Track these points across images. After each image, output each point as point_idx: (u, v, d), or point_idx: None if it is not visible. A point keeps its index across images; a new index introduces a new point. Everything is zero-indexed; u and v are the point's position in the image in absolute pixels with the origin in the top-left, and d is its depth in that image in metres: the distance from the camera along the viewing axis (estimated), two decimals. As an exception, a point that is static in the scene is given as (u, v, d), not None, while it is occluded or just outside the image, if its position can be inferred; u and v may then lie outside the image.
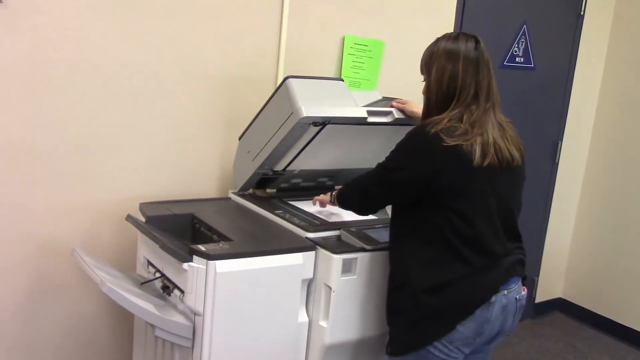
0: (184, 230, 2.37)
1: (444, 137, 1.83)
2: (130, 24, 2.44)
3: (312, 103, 2.18)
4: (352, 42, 3.02)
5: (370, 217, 2.37)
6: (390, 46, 3.16)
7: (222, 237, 2.16)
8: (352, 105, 2.32)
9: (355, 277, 2.10)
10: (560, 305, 4.58)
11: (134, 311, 1.97)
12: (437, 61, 1.96)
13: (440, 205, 1.88)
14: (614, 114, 4.21)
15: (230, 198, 2.63)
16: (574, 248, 4.50)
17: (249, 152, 2.47)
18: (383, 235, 2.20)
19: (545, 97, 4.01)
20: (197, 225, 2.35)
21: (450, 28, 3.39)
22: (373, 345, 2.26)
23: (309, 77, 2.30)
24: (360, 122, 2.33)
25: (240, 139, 2.53)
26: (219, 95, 2.71)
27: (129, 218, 2.28)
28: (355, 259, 2.09)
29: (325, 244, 2.11)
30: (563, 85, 4.09)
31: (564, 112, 4.14)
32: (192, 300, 1.97)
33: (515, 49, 3.74)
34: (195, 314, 2.00)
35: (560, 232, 4.42)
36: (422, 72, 2.05)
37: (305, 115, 2.15)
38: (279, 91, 2.26)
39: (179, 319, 2.03)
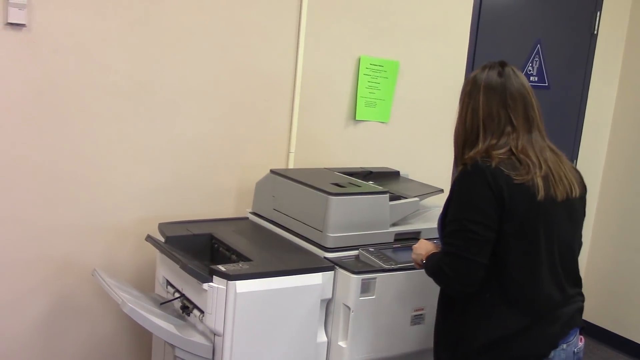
0: (202, 250, 2.38)
1: (508, 172, 1.70)
2: (151, 48, 2.48)
3: (342, 231, 2.20)
4: (367, 63, 3.05)
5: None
6: (405, 66, 3.18)
7: (241, 257, 2.17)
8: (384, 227, 2.30)
9: (374, 297, 2.10)
10: (576, 325, 4.53)
11: (154, 331, 1.98)
12: (461, 100, 1.86)
13: (501, 248, 1.72)
14: (629, 132, 4.19)
15: (247, 218, 2.64)
16: (590, 268, 4.46)
17: (274, 196, 2.48)
18: (401, 256, 2.21)
19: (559, 116, 4.00)
20: (216, 245, 2.36)
21: (464, 47, 3.41)
22: (392, 366, 2.26)
23: (351, 194, 2.25)
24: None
25: (272, 172, 2.51)
26: (236, 116, 2.73)
27: (149, 238, 2.30)
28: (374, 279, 2.09)
29: (344, 264, 2.12)
30: (577, 104, 4.09)
31: (578, 131, 4.13)
32: (212, 320, 1.98)
33: (530, 68, 3.75)
34: (215, 334, 2.01)
35: (576, 250, 4.39)
36: None
37: (331, 247, 2.19)
38: (319, 195, 2.23)
39: (198, 339, 2.03)
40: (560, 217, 1.78)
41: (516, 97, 1.78)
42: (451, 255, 1.73)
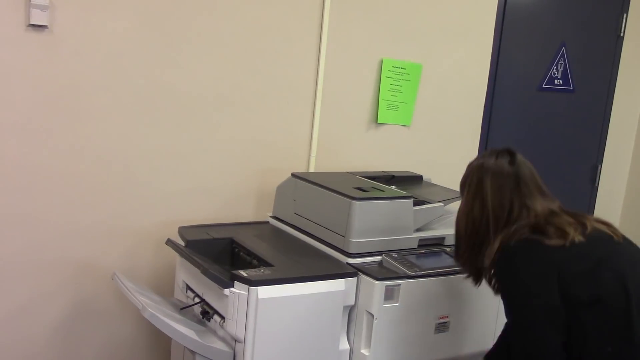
0: (222, 254, 2.35)
1: (544, 239, 1.69)
2: (172, 51, 2.46)
3: (365, 236, 2.16)
4: (390, 65, 3.00)
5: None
6: (428, 69, 3.13)
7: (262, 262, 2.14)
8: (408, 233, 2.26)
9: (397, 304, 2.06)
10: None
11: (174, 337, 1.95)
12: (466, 188, 1.86)
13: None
14: (655, 136, 4.12)
15: (268, 222, 2.61)
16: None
17: (295, 200, 2.44)
18: (426, 262, 2.17)
19: (584, 119, 3.93)
20: (237, 249, 2.33)
21: (488, 50, 3.35)
22: (415, 375, 2.21)
23: (374, 198, 2.21)
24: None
25: (293, 175, 2.48)
26: (257, 119, 2.70)
27: (169, 242, 2.27)
28: (398, 285, 2.05)
29: (367, 270, 2.07)
30: (602, 108, 4.01)
31: (603, 135, 4.06)
32: (233, 326, 1.95)
33: (554, 71, 3.69)
34: (235, 341, 1.98)
35: (600, 257, 4.31)
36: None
37: (354, 252, 2.15)
38: (342, 199, 2.18)
39: (219, 345, 2.00)
40: None
41: (528, 184, 1.79)
42: None
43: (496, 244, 1.74)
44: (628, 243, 1.82)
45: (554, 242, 1.68)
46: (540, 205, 1.77)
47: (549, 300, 1.64)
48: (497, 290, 1.81)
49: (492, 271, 1.79)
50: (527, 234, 1.71)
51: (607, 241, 1.76)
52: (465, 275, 1.93)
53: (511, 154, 1.82)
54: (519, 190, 1.77)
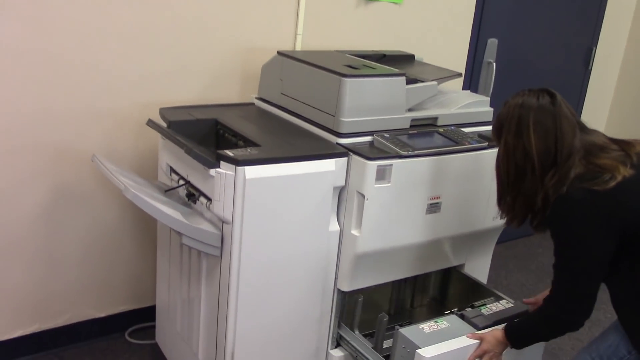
0: (207, 136, 2.26)
1: (597, 185, 1.62)
2: None
3: (356, 115, 2.06)
4: (381, -64, 2.80)
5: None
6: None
7: (249, 143, 2.05)
8: (400, 112, 2.16)
9: (389, 184, 2.00)
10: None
11: (160, 218, 1.89)
12: (505, 128, 1.73)
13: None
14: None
15: (253, 103, 2.50)
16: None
17: (282, 80, 2.31)
18: (418, 142, 2.10)
19: (581, -1, 3.78)
20: (221, 130, 2.24)
21: None
22: (405, 254, 2.19)
23: (366, 76, 2.10)
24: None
25: (279, 53, 2.34)
26: (240, -7, 2.54)
27: (150, 123, 2.17)
28: (390, 165, 1.99)
29: (358, 150, 2.00)
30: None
31: (600, 16, 3.92)
32: (220, 207, 1.89)
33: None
34: (223, 222, 1.93)
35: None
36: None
37: (344, 132, 2.05)
38: (331, 77, 2.06)
39: (206, 226, 1.95)
40: None
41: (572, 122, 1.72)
42: None
43: (550, 192, 1.67)
44: None
45: (607, 185, 1.62)
46: (585, 142, 1.71)
47: (602, 250, 1.65)
48: (540, 231, 1.79)
49: (540, 218, 1.74)
50: (579, 180, 1.65)
51: None
52: (505, 221, 1.85)
53: (551, 95, 1.71)
54: (563, 132, 1.67)
